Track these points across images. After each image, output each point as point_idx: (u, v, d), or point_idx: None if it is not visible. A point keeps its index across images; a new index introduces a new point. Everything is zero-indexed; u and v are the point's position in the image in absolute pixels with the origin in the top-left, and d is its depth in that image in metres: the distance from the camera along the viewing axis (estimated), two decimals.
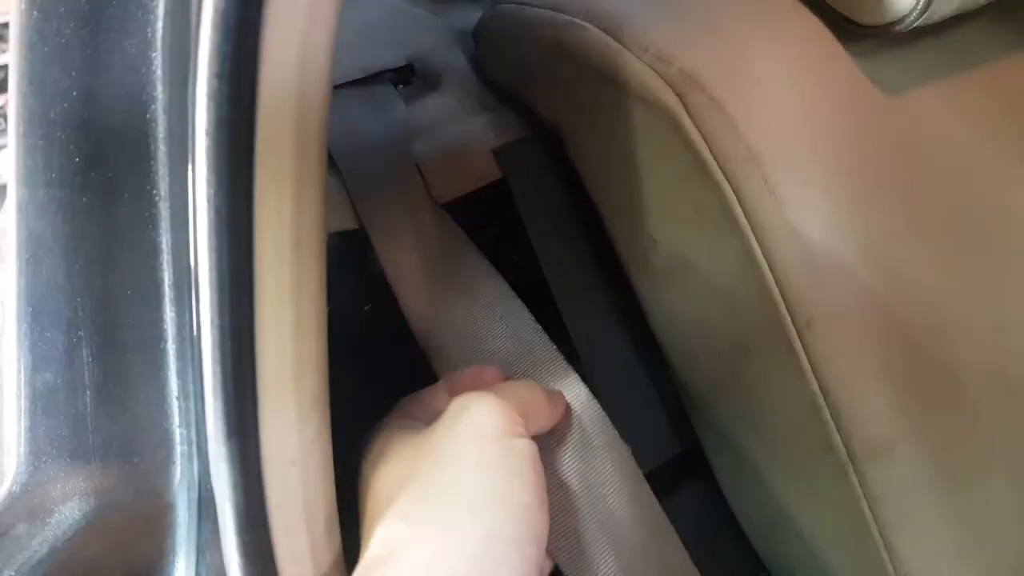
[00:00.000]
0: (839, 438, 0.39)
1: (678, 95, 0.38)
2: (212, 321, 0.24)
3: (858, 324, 0.38)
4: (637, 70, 0.39)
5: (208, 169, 0.23)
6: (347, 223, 0.47)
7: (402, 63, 0.57)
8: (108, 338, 0.28)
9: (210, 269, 0.24)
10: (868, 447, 0.39)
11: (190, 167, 0.24)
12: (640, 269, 0.47)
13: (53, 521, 0.29)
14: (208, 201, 0.23)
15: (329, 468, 0.29)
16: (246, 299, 0.24)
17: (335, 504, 0.29)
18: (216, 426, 0.25)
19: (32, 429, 0.28)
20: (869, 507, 0.40)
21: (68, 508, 0.29)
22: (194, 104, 0.23)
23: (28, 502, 0.28)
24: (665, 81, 0.38)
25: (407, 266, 0.46)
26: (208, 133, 0.22)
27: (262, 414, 0.26)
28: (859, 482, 0.39)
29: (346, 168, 0.48)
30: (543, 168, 0.53)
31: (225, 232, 0.23)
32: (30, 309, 0.27)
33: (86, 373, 0.28)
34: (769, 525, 0.49)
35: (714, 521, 0.54)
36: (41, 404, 0.28)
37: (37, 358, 0.27)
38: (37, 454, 0.28)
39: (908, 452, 0.38)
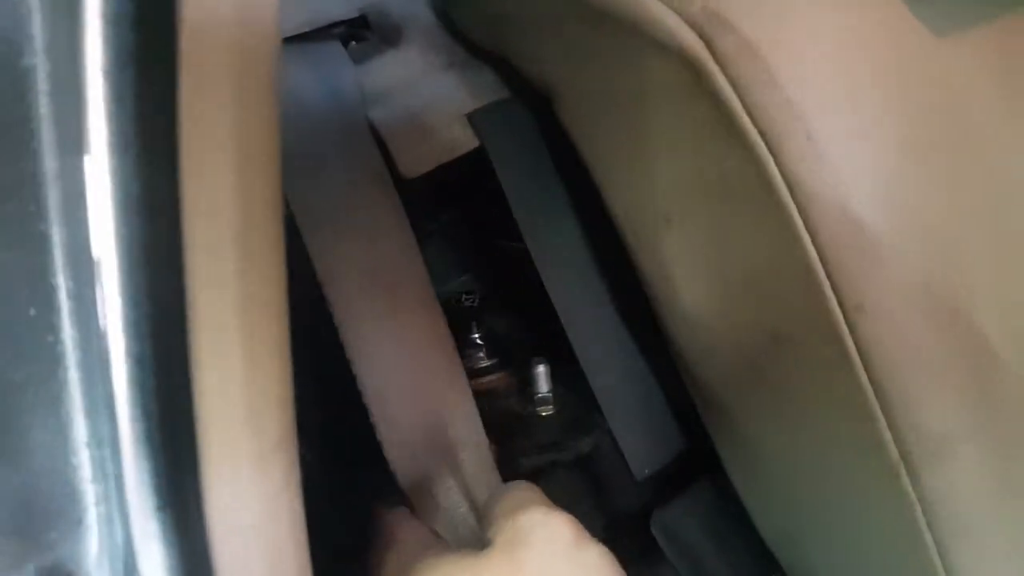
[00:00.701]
0: (890, 435, 0.34)
1: (702, 38, 0.32)
2: (125, 348, 0.17)
3: (915, 307, 0.32)
4: (650, 8, 0.33)
5: (109, 129, 0.15)
6: None
7: (354, 15, 0.49)
8: None
9: (120, 276, 0.16)
10: (925, 446, 0.33)
11: (86, 127, 0.17)
12: (648, 251, 0.41)
13: None
14: (111, 175, 0.16)
15: (301, 527, 0.22)
16: (174, 313, 0.17)
17: (309, 572, 0.22)
18: (140, 493, 0.18)
19: None
20: (923, 513, 0.35)
21: None
22: (84, 35, 0.16)
23: None
24: (685, 21, 0.32)
25: (342, 261, 0.39)
26: (106, 73, 0.15)
27: (205, 469, 0.19)
28: (912, 485, 0.34)
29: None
30: (527, 134, 0.46)
31: (137, 220, 0.16)
32: None
33: None
34: (795, 530, 0.43)
35: (726, 521, 0.49)
36: None
37: None
38: None
39: (971, 452, 0.33)
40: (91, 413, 0.21)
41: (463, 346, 0.56)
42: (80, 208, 0.17)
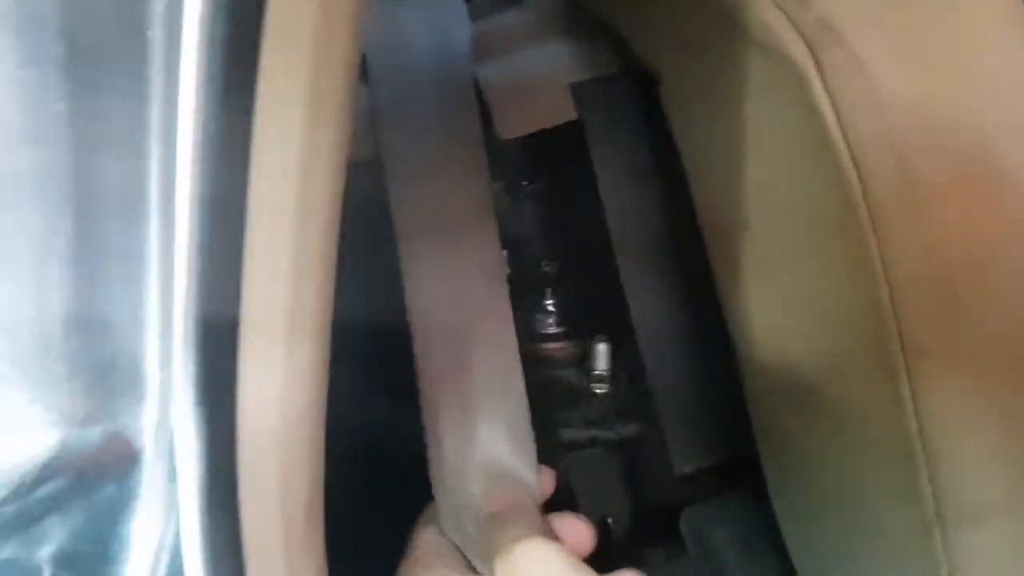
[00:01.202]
0: (931, 490, 0.33)
1: (810, 48, 0.31)
2: (189, 269, 0.19)
3: (980, 363, 0.31)
4: (763, 10, 0.32)
5: (198, 68, 0.17)
6: (361, 151, 0.41)
7: None
8: (85, 254, 0.23)
9: (192, 200, 0.18)
10: (963, 510, 0.32)
11: (181, 63, 0.19)
12: (723, 253, 0.41)
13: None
14: (195, 109, 0.17)
15: (319, 448, 0.24)
16: (233, 211, 0.19)
17: (320, 491, 0.24)
18: (185, 387, 0.20)
19: None
20: (949, 574, 0.34)
21: (25, 442, 0.25)
22: None
23: None
24: (796, 28, 0.31)
25: (421, 215, 0.40)
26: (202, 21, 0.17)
27: (242, 375, 0.21)
28: (943, 545, 0.33)
29: (380, 81, 0.41)
30: (627, 115, 0.46)
31: (212, 152, 0.18)
32: None
33: (57, 290, 0.24)
34: (823, 559, 0.43)
35: (756, 536, 0.49)
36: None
37: None
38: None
39: (1006, 527, 0.32)
40: (164, 307, 0.23)
41: (535, 310, 0.57)
42: (172, 134, 0.19)
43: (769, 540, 0.47)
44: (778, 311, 0.38)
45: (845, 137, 0.30)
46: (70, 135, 0.23)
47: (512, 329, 0.40)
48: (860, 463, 0.36)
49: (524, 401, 0.40)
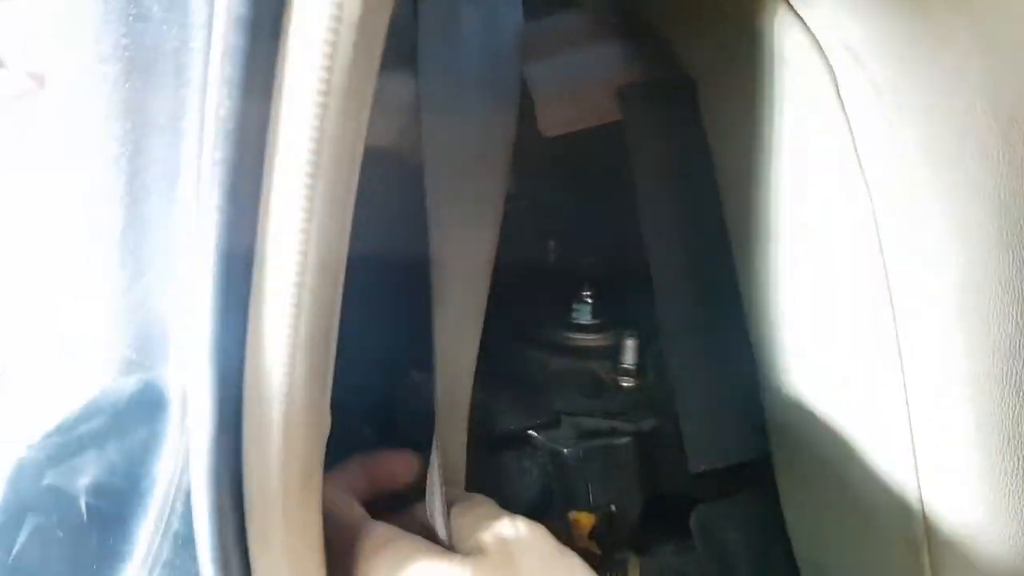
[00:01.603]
0: (921, 507, 0.34)
1: (831, 70, 0.31)
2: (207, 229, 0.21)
3: (981, 385, 0.31)
4: (793, 30, 0.33)
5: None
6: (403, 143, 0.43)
7: None
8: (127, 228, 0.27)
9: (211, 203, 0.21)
10: (953, 527, 0.33)
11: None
12: (748, 259, 0.42)
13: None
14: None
15: (322, 412, 0.26)
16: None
17: (320, 453, 0.27)
18: (198, 345, 0.23)
19: None
20: None
21: (70, 386, 0.28)
22: None
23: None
24: (822, 50, 0.32)
25: (460, 224, 0.42)
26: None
27: (251, 335, 0.23)
28: (930, 562, 0.34)
29: (430, 70, 0.43)
30: (669, 118, 0.47)
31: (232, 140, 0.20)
32: None
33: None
34: (819, 567, 0.44)
35: (766, 539, 0.50)
36: None
37: None
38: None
39: (1000, 545, 0.32)
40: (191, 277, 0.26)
41: (573, 299, 0.59)
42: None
43: (779, 545, 0.48)
44: (798, 316, 0.39)
45: (858, 157, 0.31)
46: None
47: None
48: (856, 473, 0.37)
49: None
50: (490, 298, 0.47)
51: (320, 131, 0.22)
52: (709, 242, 0.48)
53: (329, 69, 0.22)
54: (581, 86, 0.47)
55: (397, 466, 0.42)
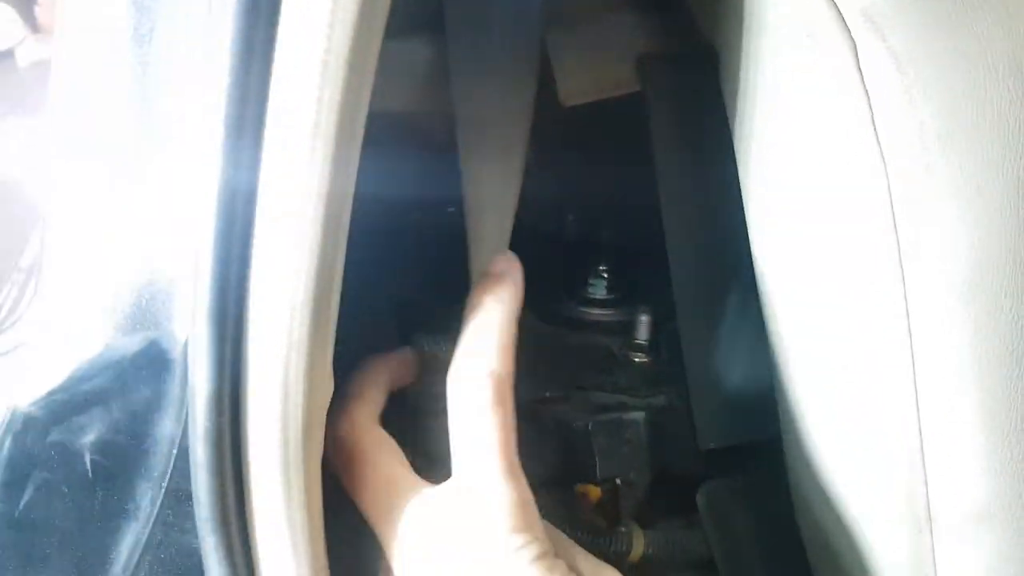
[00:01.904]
0: (925, 491, 0.33)
1: (852, 39, 0.30)
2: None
3: (990, 371, 0.31)
4: (814, 1, 0.32)
5: None
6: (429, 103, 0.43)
7: None
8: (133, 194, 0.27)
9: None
10: (956, 513, 0.32)
11: None
12: (764, 230, 0.41)
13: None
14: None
15: (324, 372, 0.27)
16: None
17: (322, 412, 0.27)
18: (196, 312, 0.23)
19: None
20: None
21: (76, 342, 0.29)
22: None
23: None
24: (842, 18, 0.31)
25: (488, 172, 0.42)
26: None
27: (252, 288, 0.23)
28: (933, 546, 0.33)
29: (457, 34, 0.43)
30: (690, 92, 0.46)
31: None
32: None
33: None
34: (830, 554, 0.43)
35: (773, 517, 0.50)
36: None
37: None
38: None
39: (1002, 530, 0.32)
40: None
41: (589, 274, 0.59)
42: None
43: (786, 526, 0.48)
44: (807, 295, 0.38)
45: (876, 133, 0.30)
46: None
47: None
48: (862, 456, 0.37)
49: None
50: None
51: (320, 91, 0.22)
52: (727, 217, 0.47)
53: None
54: (601, 56, 0.46)
55: (400, 368, 0.40)
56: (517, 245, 0.47)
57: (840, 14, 0.31)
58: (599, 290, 0.59)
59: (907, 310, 0.31)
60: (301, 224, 0.24)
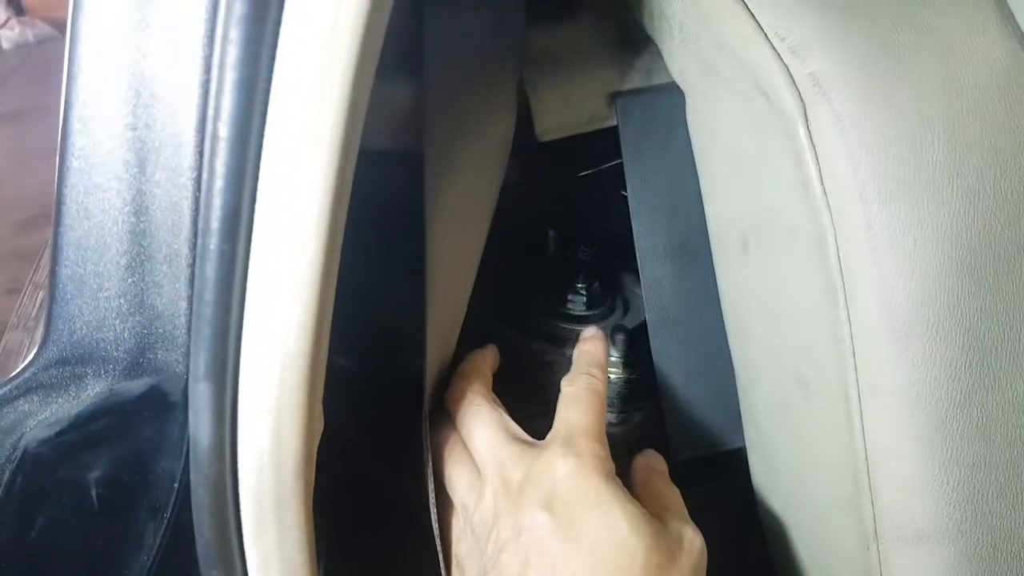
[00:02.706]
0: (872, 511, 0.36)
1: (801, 101, 0.33)
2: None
3: (930, 408, 0.33)
4: (766, 59, 0.34)
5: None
6: (405, 141, 0.44)
7: None
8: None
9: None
10: (899, 532, 0.35)
11: None
12: (725, 263, 0.44)
13: (71, 394, 0.31)
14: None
15: (314, 414, 0.29)
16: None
17: (312, 454, 0.29)
18: (195, 368, 0.25)
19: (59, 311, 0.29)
20: None
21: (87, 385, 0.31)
22: None
23: (46, 374, 0.30)
24: (793, 81, 0.33)
25: (451, 217, 0.44)
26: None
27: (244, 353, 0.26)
28: (880, 560, 0.36)
29: (434, 73, 0.45)
30: (662, 128, 0.49)
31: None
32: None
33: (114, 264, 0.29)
34: (791, 564, 0.46)
35: (744, 524, 0.52)
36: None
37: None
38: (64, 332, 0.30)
39: (940, 551, 0.35)
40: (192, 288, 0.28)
41: (568, 291, 0.61)
42: None
43: (754, 535, 0.51)
44: (767, 327, 0.41)
45: (823, 184, 0.33)
46: None
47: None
48: (817, 474, 0.39)
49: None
50: (487, 286, 0.49)
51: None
52: (695, 242, 0.49)
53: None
54: (578, 92, 0.49)
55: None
56: (499, 260, 0.50)
57: (791, 76, 0.33)
58: (578, 306, 0.61)
59: (853, 349, 0.34)
60: (294, 281, 0.26)
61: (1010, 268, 0.32)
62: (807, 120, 0.33)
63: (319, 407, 0.30)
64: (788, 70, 0.33)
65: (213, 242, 0.23)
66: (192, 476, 0.26)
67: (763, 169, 0.37)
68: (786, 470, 0.43)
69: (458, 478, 0.40)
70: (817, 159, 0.33)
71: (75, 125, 0.25)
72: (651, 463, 0.45)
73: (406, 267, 0.45)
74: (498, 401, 0.43)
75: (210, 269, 0.23)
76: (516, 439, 0.40)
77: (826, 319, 0.35)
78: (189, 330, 0.30)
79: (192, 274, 0.27)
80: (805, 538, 0.43)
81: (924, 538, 0.34)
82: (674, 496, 0.42)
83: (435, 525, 0.40)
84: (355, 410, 0.51)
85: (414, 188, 0.44)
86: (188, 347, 0.29)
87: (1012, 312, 0.32)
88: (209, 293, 0.23)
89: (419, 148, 0.45)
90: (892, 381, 0.33)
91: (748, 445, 0.48)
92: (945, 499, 0.34)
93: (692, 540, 0.38)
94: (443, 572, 0.41)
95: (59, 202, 0.26)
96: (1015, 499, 0.34)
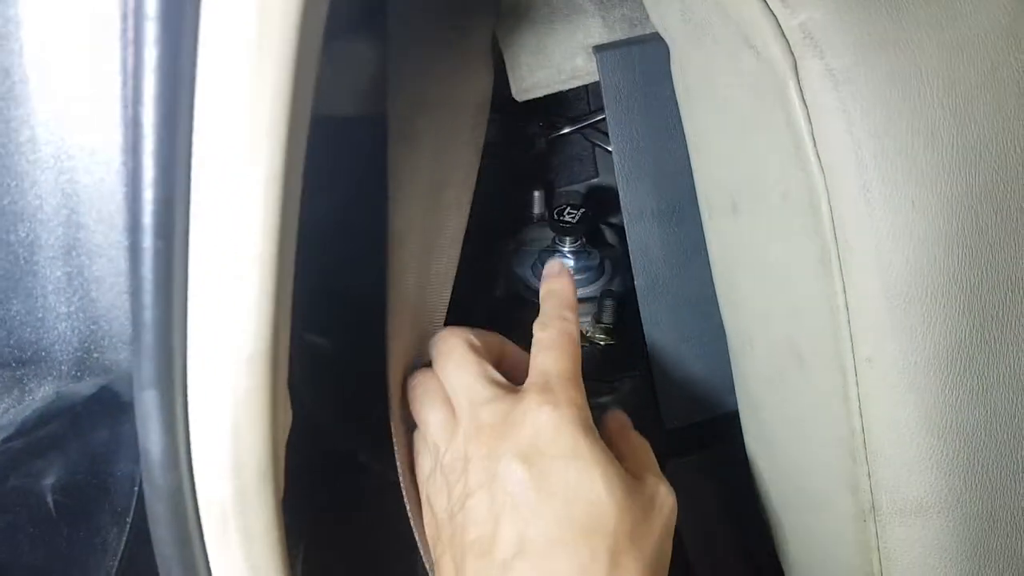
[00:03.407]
0: (868, 484, 0.34)
1: (792, 55, 0.31)
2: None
3: (929, 377, 0.32)
4: (753, 9, 0.32)
5: None
6: (365, 106, 0.42)
7: None
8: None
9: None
10: (897, 504, 0.34)
11: None
12: (715, 230, 0.42)
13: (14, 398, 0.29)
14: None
15: (274, 408, 0.27)
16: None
17: (277, 454, 0.28)
18: (139, 375, 0.23)
19: None
20: (879, 560, 0.36)
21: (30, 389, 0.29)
22: None
23: None
24: (783, 33, 0.31)
25: (414, 184, 0.41)
26: None
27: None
28: (876, 533, 0.35)
29: (399, 30, 0.42)
30: (645, 82, 0.46)
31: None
32: None
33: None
34: (786, 531, 0.45)
35: (737, 490, 0.51)
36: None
37: None
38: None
39: (939, 520, 0.33)
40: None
41: (553, 255, 0.59)
42: None
43: (747, 496, 0.50)
44: (761, 293, 0.39)
45: (815, 145, 0.31)
46: None
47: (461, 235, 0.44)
48: (812, 445, 0.38)
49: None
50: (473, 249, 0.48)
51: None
52: (683, 203, 0.47)
53: None
54: (555, 48, 0.46)
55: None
56: (485, 225, 0.48)
57: (780, 27, 0.31)
58: None
59: (849, 319, 0.32)
60: (241, 278, 0.24)
61: (1012, 229, 0.30)
62: (798, 75, 0.30)
63: (284, 402, 0.28)
64: (776, 20, 0.31)
65: (146, 240, 0.20)
66: (145, 489, 0.25)
67: (752, 128, 0.35)
68: (780, 440, 0.42)
69: (432, 417, 0.39)
70: (809, 117, 0.30)
71: None
72: (620, 417, 0.44)
73: (369, 240, 0.43)
74: (481, 350, 0.41)
75: (145, 270, 0.21)
76: (493, 382, 0.39)
77: (820, 287, 0.33)
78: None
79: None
80: (800, 509, 0.42)
81: (922, 510, 0.33)
82: (645, 449, 0.42)
83: (408, 505, 0.39)
84: (323, 387, 0.50)
85: (378, 157, 0.41)
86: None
87: (1014, 276, 0.30)
88: (147, 296, 0.21)
89: (383, 112, 0.43)
90: (890, 351, 0.31)
91: (741, 412, 0.47)
92: (945, 470, 0.32)
93: (665, 498, 0.38)
94: (421, 550, 0.40)
95: None
96: (1015, 468, 0.33)
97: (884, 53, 0.29)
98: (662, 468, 0.52)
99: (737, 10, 0.32)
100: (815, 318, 0.34)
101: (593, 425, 0.38)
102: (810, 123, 0.30)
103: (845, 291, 0.32)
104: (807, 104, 0.30)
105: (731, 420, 0.50)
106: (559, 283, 0.44)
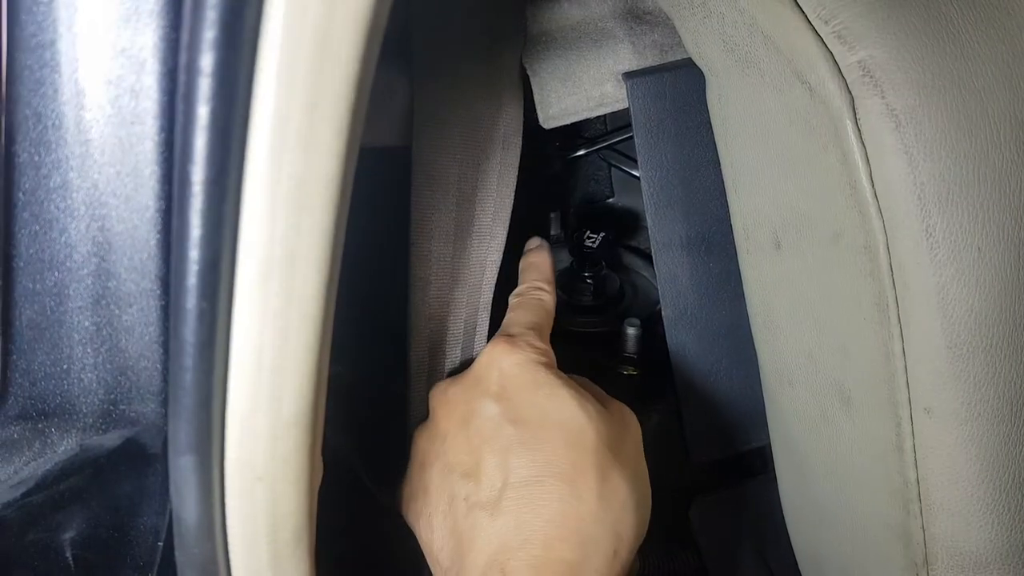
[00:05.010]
0: (923, 536, 0.33)
1: (850, 94, 0.29)
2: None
3: (991, 429, 0.30)
4: (807, 45, 0.30)
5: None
6: (391, 137, 0.41)
7: None
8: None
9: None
10: (955, 558, 0.32)
11: None
12: (755, 266, 0.40)
13: (36, 451, 0.27)
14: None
15: (308, 468, 0.26)
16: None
17: (311, 513, 0.26)
18: (176, 440, 0.22)
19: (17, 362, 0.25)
20: None
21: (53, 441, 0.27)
22: None
23: (7, 431, 0.27)
24: (840, 71, 0.30)
25: (438, 228, 0.40)
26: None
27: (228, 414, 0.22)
28: None
29: (421, 66, 0.41)
30: (676, 110, 0.45)
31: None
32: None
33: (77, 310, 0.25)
34: (822, 572, 0.44)
35: (766, 530, 0.50)
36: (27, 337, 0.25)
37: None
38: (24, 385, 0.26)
39: (999, 575, 0.32)
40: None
41: (573, 279, 0.58)
42: None
43: (778, 534, 0.48)
44: (805, 335, 0.38)
45: (874, 186, 0.29)
46: None
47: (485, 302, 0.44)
48: (858, 492, 0.36)
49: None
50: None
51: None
52: (713, 233, 0.46)
53: None
54: (584, 74, 0.45)
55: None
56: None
57: (836, 64, 0.30)
58: (583, 298, 0.58)
59: (906, 366, 0.31)
60: (288, 342, 0.22)
61: None
62: (856, 115, 0.29)
63: (319, 463, 0.26)
64: (833, 57, 0.30)
65: (190, 301, 0.19)
66: (178, 556, 0.23)
67: (801, 164, 0.33)
68: (820, 483, 0.40)
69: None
70: (867, 158, 0.29)
71: (20, 156, 0.21)
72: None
73: (389, 284, 0.42)
74: None
75: (187, 332, 0.20)
76: None
77: (874, 332, 0.32)
78: (165, 379, 0.26)
79: (165, 317, 0.24)
80: (842, 556, 0.40)
81: (982, 565, 0.32)
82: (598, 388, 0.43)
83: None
84: (344, 423, 0.48)
85: (400, 190, 0.40)
86: (166, 396, 0.26)
87: None
88: (188, 359, 0.20)
89: (408, 144, 0.42)
90: (951, 401, 0.30)
91: (774, 450, 0.45)
92: (1006, 523, 0.31)
93: (632, 419, 0.40)
94: None
95: (8, 241, 0.23)
96: None
97: (949, 93, 0.28)
98: (688, 505, 0.51)
99: (789, 45, 0.31)
100: (866, 362, 0.33)
101: (556, 368, 0.39)
102: (868, 163, 0.29)
103: (903, 337, 0.30)
104: (865, 144, 0.29)
105: (758, 454, 0.48)
106: (537, 256, 0.47)
